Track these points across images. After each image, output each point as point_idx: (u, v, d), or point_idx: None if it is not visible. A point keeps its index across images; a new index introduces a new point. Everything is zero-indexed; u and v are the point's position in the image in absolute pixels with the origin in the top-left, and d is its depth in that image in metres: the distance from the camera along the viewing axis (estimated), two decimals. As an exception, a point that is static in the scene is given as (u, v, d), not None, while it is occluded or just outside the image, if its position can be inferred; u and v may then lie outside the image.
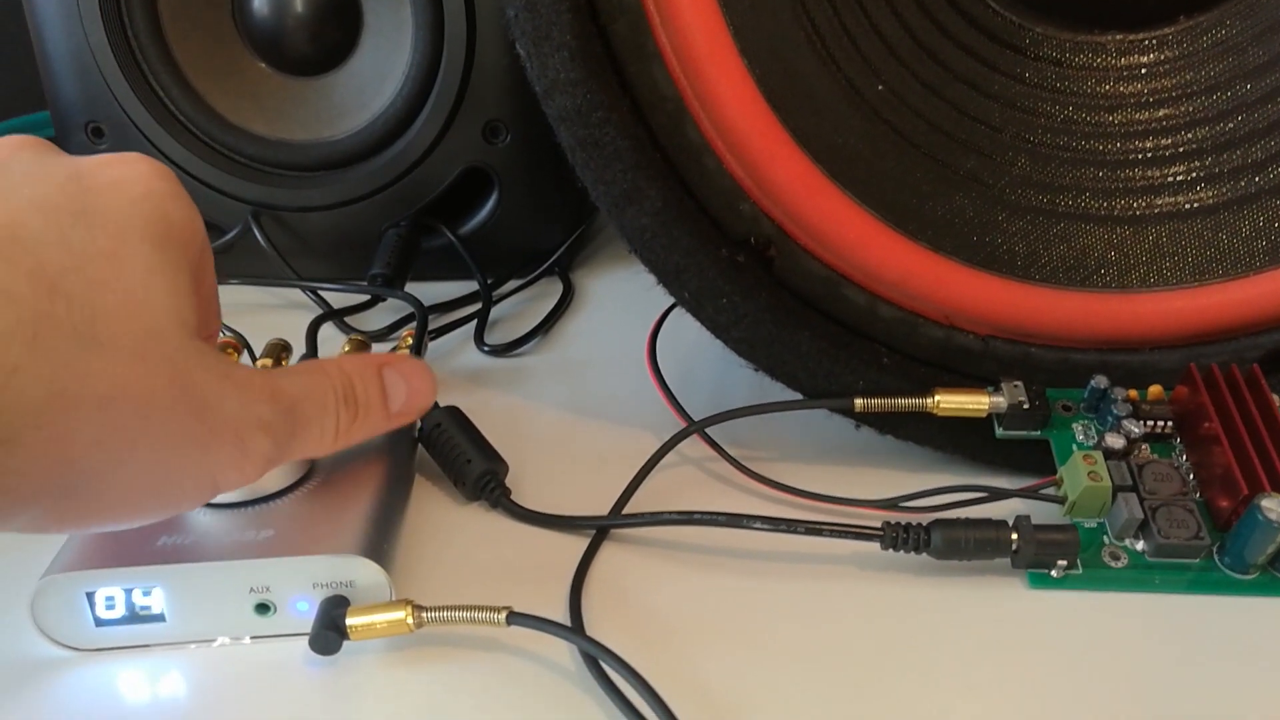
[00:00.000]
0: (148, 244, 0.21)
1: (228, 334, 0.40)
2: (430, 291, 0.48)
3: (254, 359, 0.38)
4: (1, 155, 0.23)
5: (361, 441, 0.27)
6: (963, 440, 0.34)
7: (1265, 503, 0.27)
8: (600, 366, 0.42)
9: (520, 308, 0.48)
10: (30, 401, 0.19)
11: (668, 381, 0.37)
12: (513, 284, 0.49)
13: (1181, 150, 0.34)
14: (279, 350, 0.38)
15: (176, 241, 0.22)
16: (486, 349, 0.43)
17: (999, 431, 0.32)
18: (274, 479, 0.28)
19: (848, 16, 0.33)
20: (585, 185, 0.31)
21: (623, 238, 0.32)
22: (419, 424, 0.34)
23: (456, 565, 0.31)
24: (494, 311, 0.47)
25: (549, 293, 0.49)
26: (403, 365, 0.28)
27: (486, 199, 0.48)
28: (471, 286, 0.48)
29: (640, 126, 0.31)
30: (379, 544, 0.28)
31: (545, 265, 0.49)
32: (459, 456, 0.33)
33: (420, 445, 0.34)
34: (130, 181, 0.22)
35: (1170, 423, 0.32)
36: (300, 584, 0.27)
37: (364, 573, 0.27)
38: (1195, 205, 0.34)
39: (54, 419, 0.19)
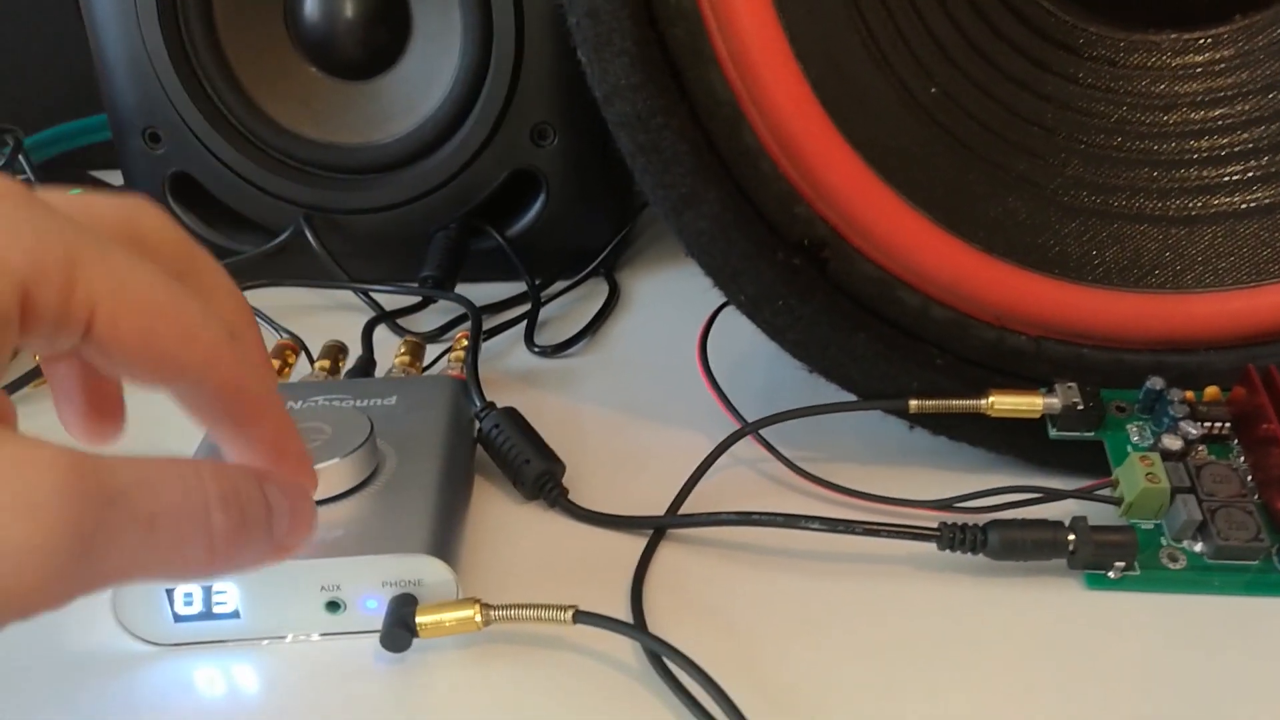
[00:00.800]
0: None
1: (284, 336, 0.41)
2: (479, 293, 0.48)
3: (311, 361, 0.39)
4: None
5: (236, 571, 0.21)
6: (1017, 441, 0.34)
7: (1327, 505, 0.27)
8: (649, 367, 0.42)
9: (568, 308, 0.48)
10: None
11: (722, 378, 0.37)
12: (560, 285, 0.50)
13: (1237, 149, 0.34)
14: (335, 352, 0.39)
15: None
16: (537, 350, 0.43)
17: (1052, 433, 0.33)
18: (342, 477, 0.29)
19: (902, 19, 0.33)
20: (644, 189, 0.31)
21: (681, 241, 0.32)
22: (478, 424, 0.34)
23: (518, 563, 0.31)
24: (542, 313, 0.47)
25: (596, 293, 0.49)
26: (285, 483, 0.21)
27: (534, 201, 0.49)
28: (520, 287, 0.48)
29: (698, 131, 0.31)
30: (445, 543, 0.28)
31: (591, 266, 0.50)
32: (517, 457, 0.33)
33: (479, 445, 0.35)
34: None
35: (1228, 424, 0.32)
36: (370, 582, 0.27)
37: (432, 571, 0.27)
38: (1252, 204, 0.34)
39: None
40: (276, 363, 0.39)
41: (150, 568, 0.18)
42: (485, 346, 0.44)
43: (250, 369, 0.21)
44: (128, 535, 0.17)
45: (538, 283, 0.48)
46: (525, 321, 0.45)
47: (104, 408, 0.23)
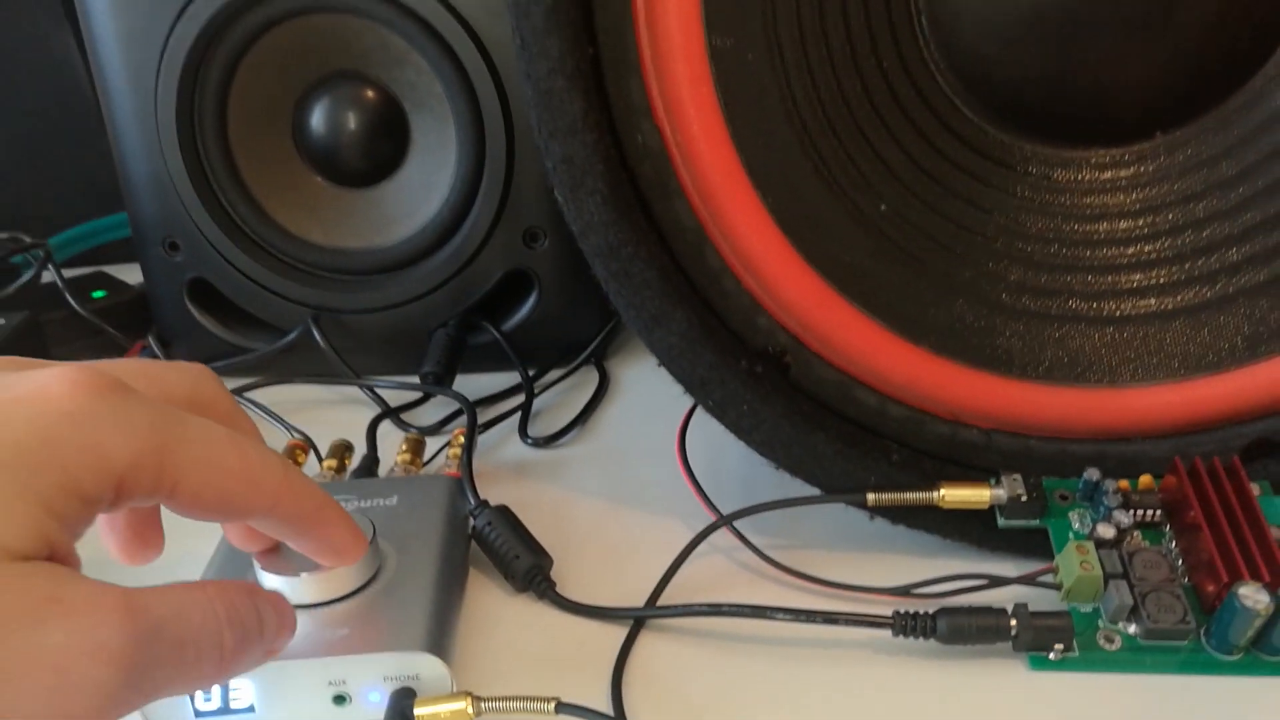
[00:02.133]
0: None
1: (295, 435, 0.44)
2: (479, 383, 0.51)
3: (320, 459, 0.42)
4: None
5: (238, 675, 0.25)
6: (969, 529, 0.37)
7: (1242, 590, 0.30)
8: (636, 455, 0.45)
9: (560, 397, 0.51)
10: None
11: (698, 469, 0.40)
12: (554, 373, 0.53)
13: (1163, 255, 0.37)
14: (342, 451, 0.42)
15: (40, 461, 0.20)
16: (530, 441, 0.46)
17: (1001, 521, 0.35)
18: (348, 580, 0.32)
19: (850, 144, 0.37)
20: (618, 309, 0.35)
21: (653, 353, 0.35)
22: (472, 521, 0.37)
23: (508, 654, 0.34)
24: (537, 402, 0.50)
25: (587, 381, 0.52)
26: (271, 595, 0.26)
27: (527, 297, 0.52)
28: (516, 376, 0.51)
29: (665, 256, 0.34)
30: (440, 639, 0.31)
31: (582, 357, 0.53)
32: (508, 552, 0.36)
33: (474, 541, 0.38)
34: (37, 397, 0.21)
35: (1159, 511, 0.34)
36: (373, 677, 0.30)
37: (428, 667, 0.30)
38: (1178, 306, 0.37)
39: None
40: (287, 462, 0.42)
41: (176, 685, 0.22)
42: (483, 438, 0.47)
43: (305, 493, 0.27)
44: (165, 662, 0.21)
45: (531, 374, 0.52)
46: (520, 413, 0.48)
47: (146, 535, 0.27)
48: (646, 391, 0.51)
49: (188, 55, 0.47)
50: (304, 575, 0.31)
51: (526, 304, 0.52)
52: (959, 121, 0.38)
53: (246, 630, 0.24)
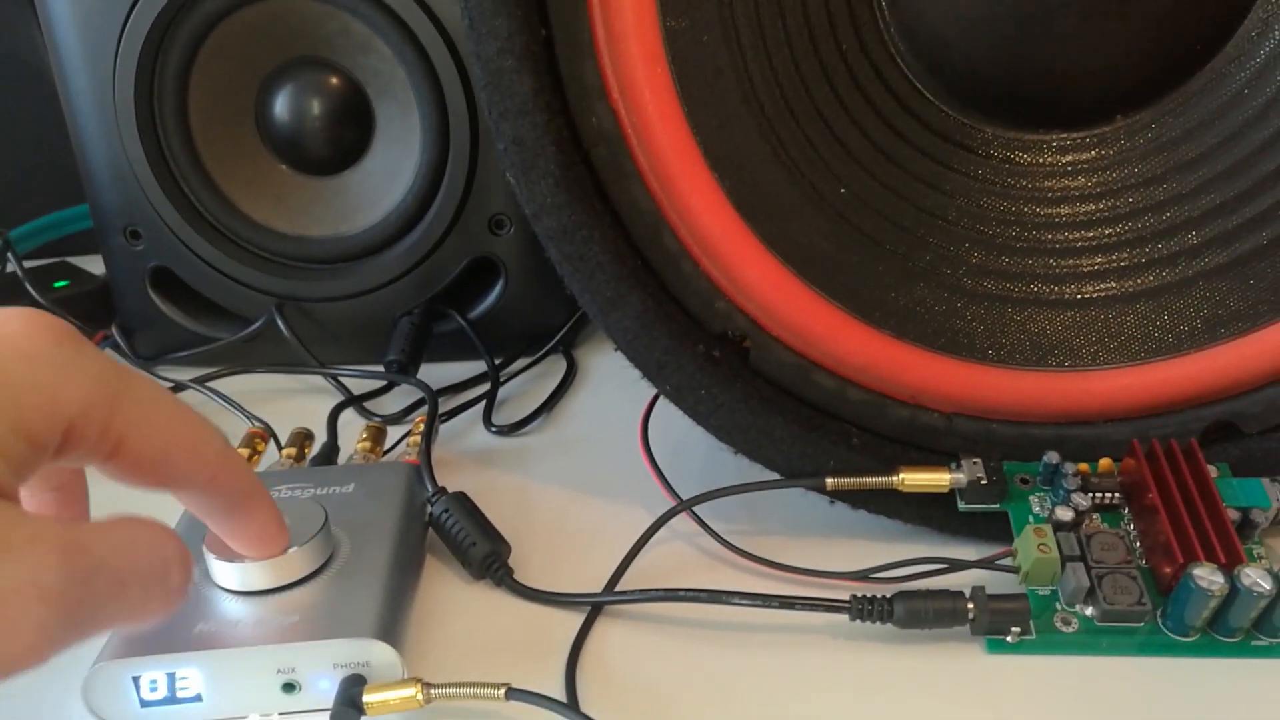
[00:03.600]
0: None
1: (256, 424, 0.44)
2: (444, 373, 0.51)
3: (280, 448, 0.42)
4: None
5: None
6: (929, 513, 0.36)
7: (1197, 571, 0.30)
8: (600, 443, 0.45)
9: (527, 386, 0.51)
10: None
11: (661, 457, 0.40)
12: (521, 362, 0.53)
13: (1124, 238, 0.37)
14: (302, 439, 0.42)
15: None
16: (494, 429, 0.46)
17: (961, 505, 0.35)
18: (299, 566, 0.31)
19: (810, 127, 0.37)
20: (573, 293, 0.34)
21: (609, 338, 0.35)
22: (429, 508, 0.37)
23: (463, 641, 0.34)
24: (503, 390, 0.50)
25: (554, 369, 0.52)
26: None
27: (494, 285, 0.52)
28: (483, 365, 0.51)
29: (621, 239, 0.34)
30: (391, 626, 0.31)
31: (550, 345, 0.53)
32: (465, 539, 0.36)
33: (431, 528, 0.37)
34: None
35: (1117, 494, 0.34)
36: (322, 665, 0.30)
37: (378, 654, 0.30)
38: (1138, 289, 0.37)
39: None
40: (246, 451, 0.41)
41: (116, 621, 0.21)
42: (446, 426, 0.47)
43: (241, 474, 0.26)
44: (104, 600, 0.20)
45: (498, 362, 0.51)
46: (484, 401, 0.48)
47: (69, 503, 0.26)
48: (614, 381, 0.51)
49: (146, 40, 0.47)
50: (253, 562, 0.30)
51: (493, 292, 0.52)
52: (919, 104, 0.38)
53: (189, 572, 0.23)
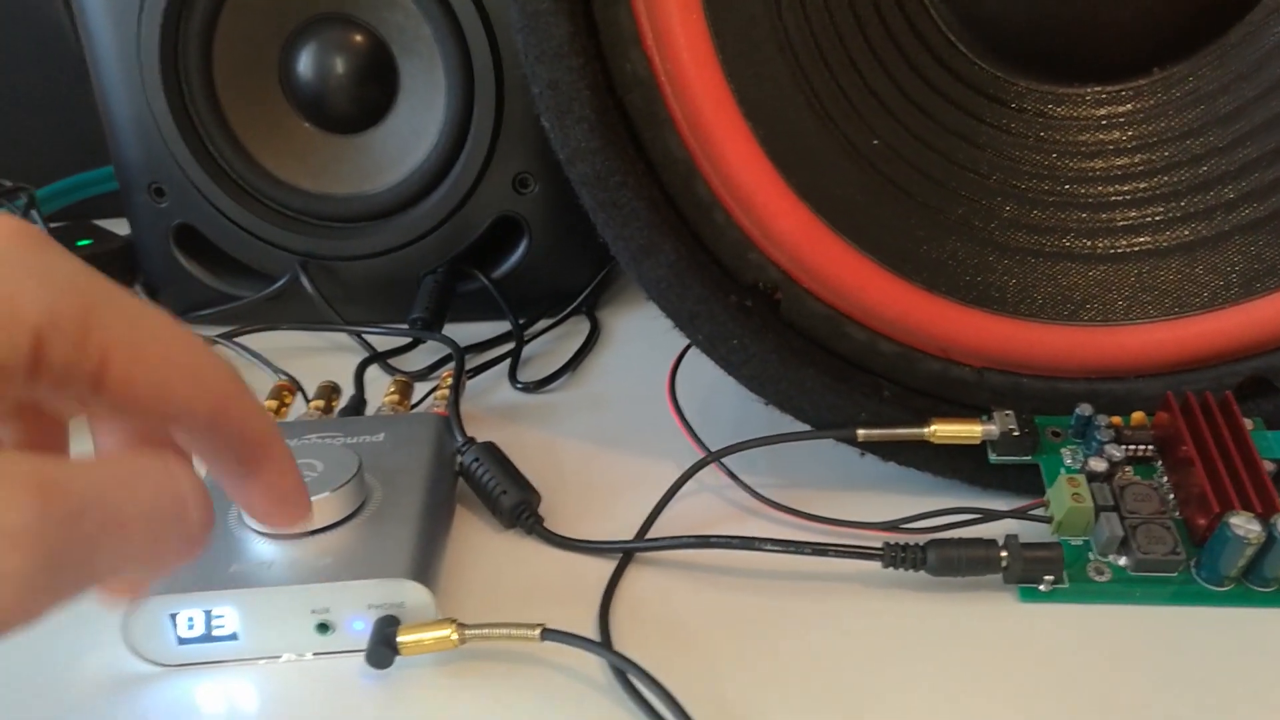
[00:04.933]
0: None
1: (283, 378, 0.44)
2: (467, 332, 0.51)
3: (307, 401, 0.42)
4: None
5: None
6: (960, 465, 0.36)
7: (1234, 520, 0.30)
8: (625, 401, 0.45)
9: (551, 346, 0.51)
10: None
11: (689, 413, 0.40)
12: (544, 323, 0.53)
13: (1159, 192, 0.37)
14: (329, 392, 0.42)
15: None
16: (520, 386, 0.46)
17: (992, 457, 0.35)
18: (333, 510, 0.31)
19: (844, 78, 0.36)
20: (606, 241, 0.34)
21: (641, 287, 0.35)
22: (459, 458, 0.37)
23: (495, 587, 0.34)
24: (526, 350, 0.50)
25: (577, 331, 0.52)
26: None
27: (518, 244, 0.52)
28: (506, 326, 0.51)
29: (655, 187, 0.34)
30: (425, 568, 0.31)
31: (573, 305, 0.52)
32: (495, 488, 0.36)
33: (460, 478, 0.37)
34: None
35: (1151, 446, 0.34)
36: (356, 605, 0.30)
37: (413, 594, 0.30)
38: (1173, 243, 0.37)
39: None
40: (274, 403, 0.41)
41: (123, 566, 0.18)
42: (471, 384, 0.47)
43: (255, 412, 0.22)
44: (100, 544, 0.17)
45: (521, 322, 0.51)
46: (509, 359, 0.48)
47: (49, 446, 0.22)
48: (639, 341, 0.51)
49: (170, -3, 0.47)
50: (288, 504, 0.30)
51: (517, 251, 0.52)
52: (953, 56, 0.38)
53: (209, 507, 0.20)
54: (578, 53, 0.31)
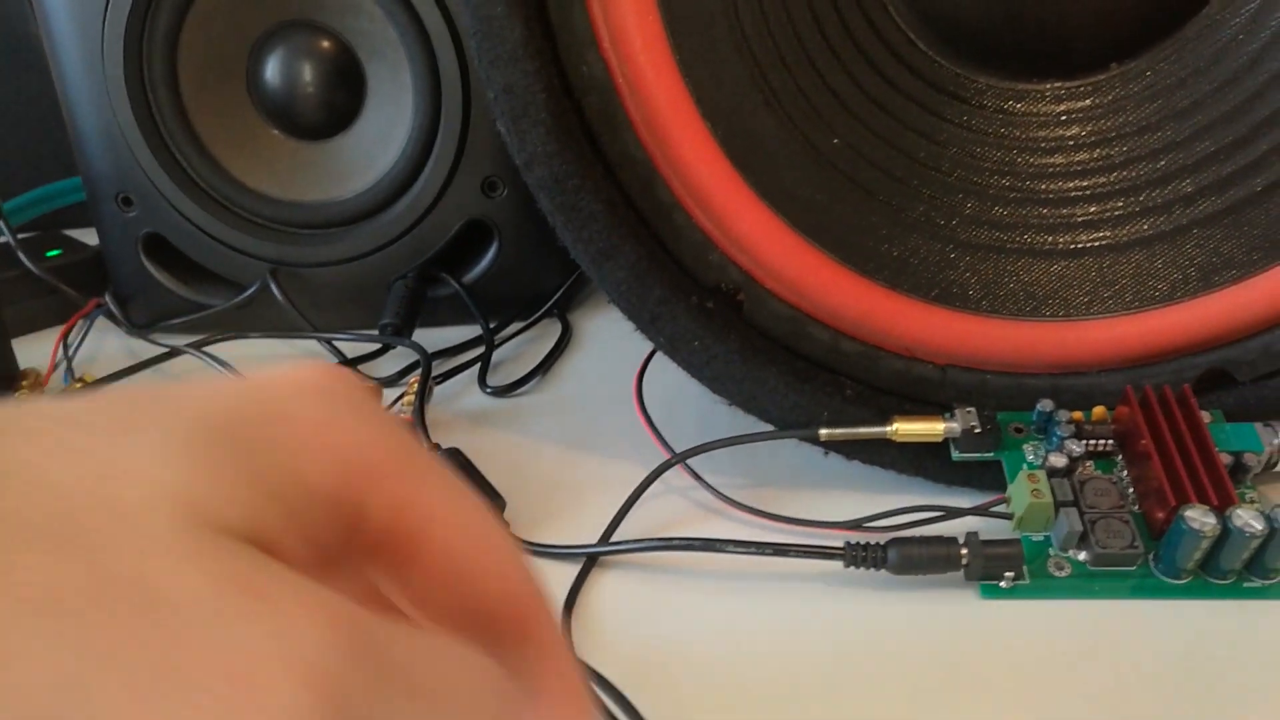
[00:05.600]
0: (184, 420, 0.15)
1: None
2: (440, 336, 0.51)
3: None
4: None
5: None
6: (924, 463, 0.36)
7: (1189, 513, 0.30)
8: (595, 403, 0.45)
9: (522, 349, 0.51)
10: None
11: (656, 415, 0.40)
12: (516, 326, 0.53)
13: (1118, 187, 0.37)
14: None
15: (263, 434, 0.15)
16: (489, 390, 0.46)
17: (955, 454, 0.35)
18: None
19: (802, 77, 0.36)
20: (565, 244, 0.34)
21: (602, 290, 0.35)
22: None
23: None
24: (498, 353, 0.50)
25: (549, 333, 0.52)
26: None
27: (488, 248, 0.52)
28: (478, 330, 0.51)
29: (614, 189, 0.34)
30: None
31: (545, 308, 0.52)
32: (461, 493, 0.36)
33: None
34: (273, 379, 0.17)
35: (1111, 441, 0.34)
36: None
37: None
38: (1133, 237, 0.37)
39: None
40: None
41: None
42: (442, 388, 0.47)
43: (548, 610, 0.18)
44: (392, 705, 0.14)
45: (493, 325, 0.51)
46: (480, 363, 0.48)
47: None
48: (609, 344, 0.51)
49: (134, 4, 0.46)
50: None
51: (487, 255, 0.52)
52: (913, 54, 0.38)
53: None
54: (532, 56, 0.31)
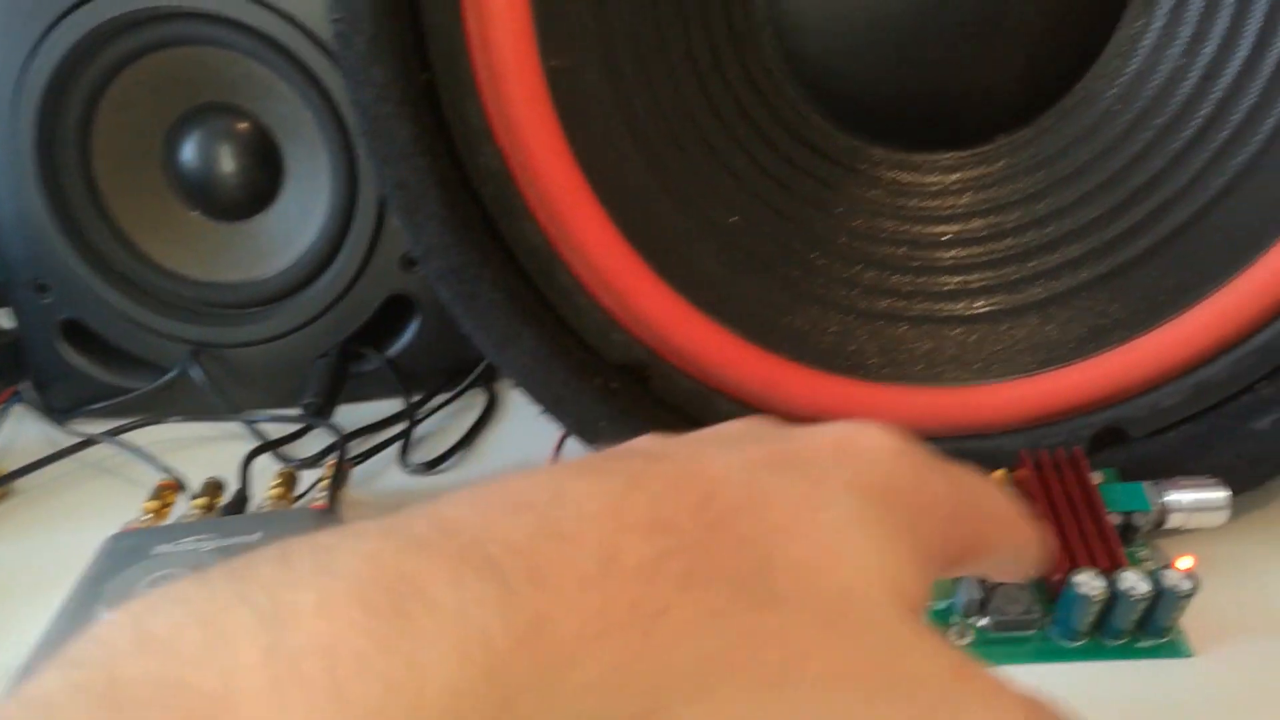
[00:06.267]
0: (853, 494, 0.17)
1: (167, 476, 0.43)
2: (366, 411, 0.51)
3: (192, 498, 0.41)
4: (736, 426, 0.21)
5: None
6: (832, 531, 0.37)
7: (1079, 578, 0.30)
8: (516, 477, 0.45)
9: (448, 421, 0.51)
10: (682, 663, 0.14)
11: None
12: (443, 397, 0.53)
13: (1011, 253, 0.38)
14: (213, 489, 0.42)
15: (895, 501, 0.18)
16: (410, 469, 0.46)
17: (861, 522, 0.36)
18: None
19: (699, 158, 0.37)
20: (465, 331, 0.35)
21: (506, 375, 0.35)
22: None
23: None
24: (423, 427, 0.50)
25: (476, 404, 0.52)
26: None
27: (410, 322, 0.52)
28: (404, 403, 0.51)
29: (514, 276, 0.34)
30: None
31: (469, 379, 0.53)
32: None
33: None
34: (850, 439, 0.19)
35: (1011, 505, 0.35)
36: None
37: None
38: (1027, 302, 0.38)
39: (710, 690, 0.14)
40: (157, 504, 0.41)
41: None
42: (364, 467, 0.47)
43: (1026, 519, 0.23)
44: None
45: (419, 398, 0.51)
46: (402, 440, 0.48)
47: None
48: (535, 413, 0.51)
49: (45, 90, 0.47)
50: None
51: (410, 329, 0.52)
52: (807, 128, 0.39)
53: None
54: (424, 152, 0.32)
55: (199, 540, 0.36)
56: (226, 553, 0.34)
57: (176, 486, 0.42)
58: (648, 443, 0.19)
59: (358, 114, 0.32)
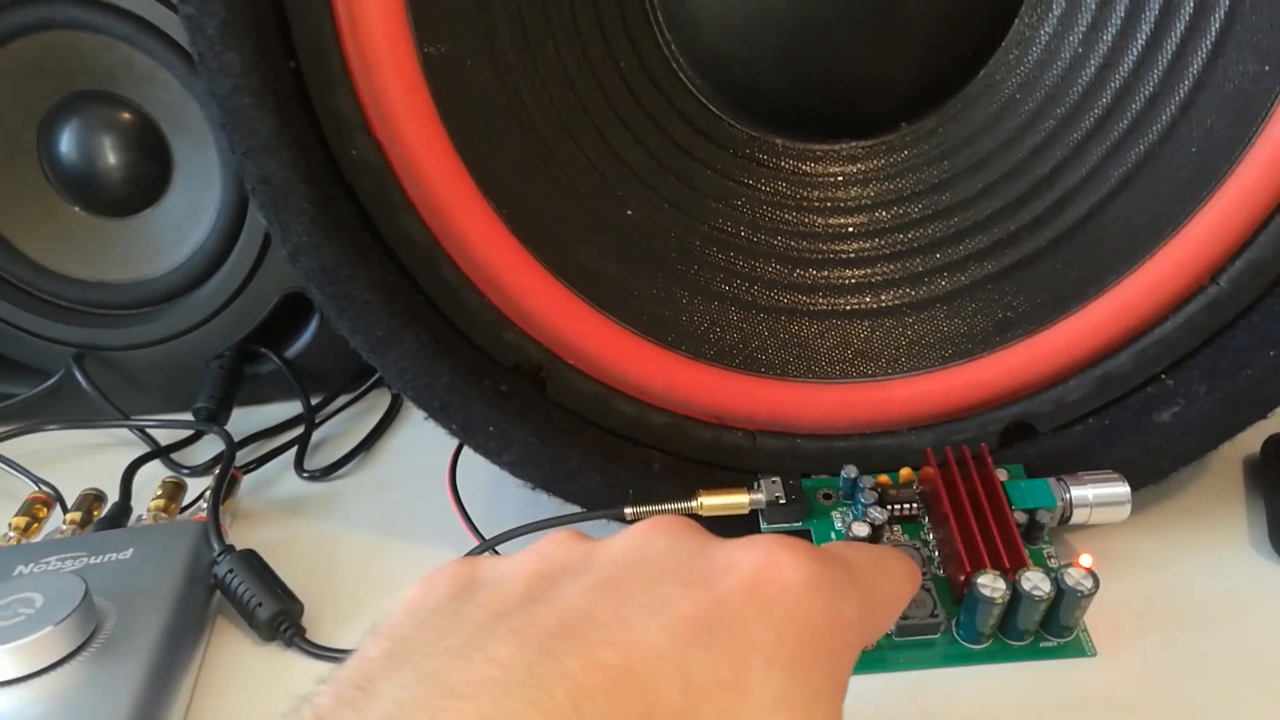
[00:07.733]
0: (777, 668, 0.19)
1: (41, 489, 0.41)
2: (265, 414, 0.49)
3: (65, 511, 0.39)
4: (638, 540, 0.23)
5: None
6: (735, 535, 0.35)
7: (980, 580, 0.30)
8: (416, 483, 0.43)
9: (349, 424, 0.49)
10: None
11: (479, 494, 0.38)
12: (345, 398, 0.51)
13: (915, 245, 0.37)
14: (90, 502, 0.39)
15: (814, 646, 0.20)
16: (305, 475, 0.44)
17: (764, 526, 0.35)
18: (48, 651, 0.29)
19: (591, 150, 0.36)
20: (342, 334, 0.33)
21: (387, 380, 0.33)
22: (214, 570, 0.35)
23: (253, 706, 0.32)
24: (322, 430, 0.48)
25: (379, 405, 0.50)
26: None
27: (309, 321, 0.50)
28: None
29: (393, 274, 0.33)
30: (153, 710, 0.29)
31: (371, 381, 0.51)
32: (251, 600, 0.34)
33: (218, 590, 0.35)
34: (764, 579, 0.20)
35: (915, 504, 0.34)
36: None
37: (134, 746, 0.28)
38: (932, 295, 0.37)
39: None
40: (25, 519, 0.38)
41: None
42: (260, 473, 0.45)
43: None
44: None
45: (319, 400, 0.49)
46: (298, 445, 0.46)
47: None
48: (444, 412, 0.49)
49: (-97, 83, 0.44)
50: (-5, 649, 0.28)
51: (309, 328, 0.50)
52: (706, 120, 0.38)
53: None
54: (288, 145, 0.30)
55: (63, 559, 0.34)
56: (97, 571, 0.32)
57: (50, 500, 0.40)
58: (565, 583, 0.21)
59: (214, 105, 0.29)
